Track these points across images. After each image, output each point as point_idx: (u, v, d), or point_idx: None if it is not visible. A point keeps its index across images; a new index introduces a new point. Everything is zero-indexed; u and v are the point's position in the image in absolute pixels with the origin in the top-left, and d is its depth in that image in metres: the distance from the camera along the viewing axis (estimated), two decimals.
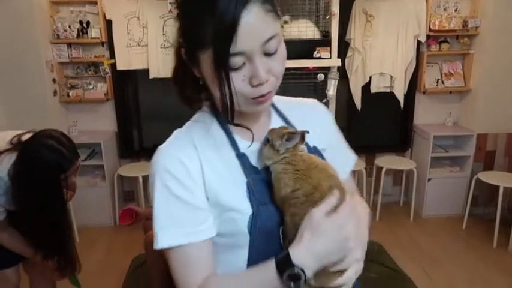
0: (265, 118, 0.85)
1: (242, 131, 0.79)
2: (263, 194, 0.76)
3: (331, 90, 2.92)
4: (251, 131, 0.78)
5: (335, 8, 2.84)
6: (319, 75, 2.88)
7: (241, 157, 0.78)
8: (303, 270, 0.65)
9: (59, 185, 1.55)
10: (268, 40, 0.66)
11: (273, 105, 0.88)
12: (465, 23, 3.41)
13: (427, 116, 3.77)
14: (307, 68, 2.87)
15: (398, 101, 3.55)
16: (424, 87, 3.58)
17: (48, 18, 3.28)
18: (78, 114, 3.58)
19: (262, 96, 0.70)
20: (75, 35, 3.32)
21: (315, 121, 0.89)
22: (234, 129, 0.80)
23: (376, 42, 3.43)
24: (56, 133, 1.58)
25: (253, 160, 0.79)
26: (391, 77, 3.50)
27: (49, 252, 1.66)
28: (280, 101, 0.91)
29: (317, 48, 2.85)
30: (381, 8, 3.37)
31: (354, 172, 3.72)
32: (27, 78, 3.21)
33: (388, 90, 3.54)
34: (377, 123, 3.81)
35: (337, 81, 2.93)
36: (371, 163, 3.75)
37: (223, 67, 0.65)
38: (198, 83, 0.75)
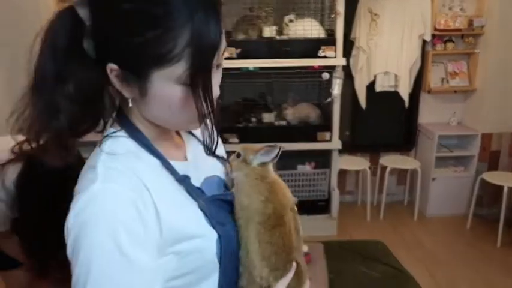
0: (179, 137, 0.80)
1: (169, 153, 0.71)
2: (219, 214, 0.70)
3: (336, 89, 2.92)
4: (198, 139, 0.76)
5: (340, 7, 2.83)
6: (323, 74, 2.88)
7: (184, 180, 0.69)
8: None
9: (66, 193, 1.55)
10: (224, 50, 0.64)
11: None
12: (470, 23, 3.39)
13: (431, 115, 3.76)
14: (312, 66, 2.87)
15: (403, 100, 3.54)
16: (429, 86, 3.57)
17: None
18: None
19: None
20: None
21: None
22: (162, 152, 0.69)
23: (381, 41, 3.42)
24: None
25: (194, 180, 0.71)
26: (396, 76, 3.50)
27: (51, 264, 1.63)
28: None
29: (322, 47, 2.85)
30: (386, 7, 3.37)
31: (358, 171, 3.73)
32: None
33: (392, 89, 3.53)
34: (381, 123, 3.80)
35: (342, 80, 2.92)
36: (375, 162, 3.75)
37: (205, 83, 0.59)
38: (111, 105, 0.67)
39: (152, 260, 0.59)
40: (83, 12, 0.59)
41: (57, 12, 0.61)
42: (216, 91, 0.64)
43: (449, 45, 3.48)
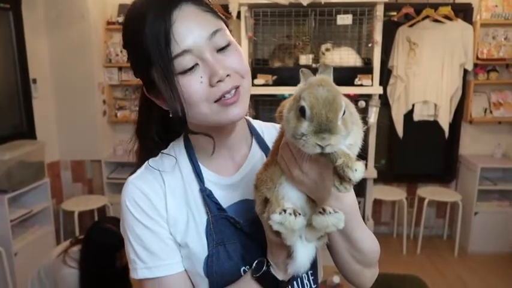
0: (244, 148, 0.79)
1: (214, 163, 0.76)
2: (223, 234, 0.71)
3: (372, 117, 2.88)
4: (212, 138, 0.72)
5: (378, 36, 2.83)
6: (360, 102, 2.86)
7: (204, 192, 0.72)
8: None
9: (115, 260, 1.86)
10: (214, 33, 0.64)
11: (256, 134, 0.81)
12: None
13: (473, 146, 3.62)
14: (348, 95, 2.86)
15: (443, 130, 3.44)
16: (471, 116, 3.45)
17: (102, 43, 3.51)
18: (123, 134, 3.74)
19: (225, 95, 0.65)
20: (126, 59, 3.51)
21: None
22: (204, 161, 0.76)
23: (420, 70, 3.37)
24: (110, 219, 2.01)
25: (219, 195, 0.74)
26: (435, 105, 3.42)
27: None
28: (266, 127, 0.85)
29: (358, 76, 2.84)
30: (425, 36, 3.33)
31: (394, 202, 3.62)
32: (81, 98, 3.42)
33: (432, 118, 3.45)
34: (420, 152, 3.70)
35: (378, 108, 2.89)
36: (413, 193, 3.62)
37: (166, 68, 0.63)
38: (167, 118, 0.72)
39: (169, 235, 0.72)
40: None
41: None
42: (217, 72, 0.64)
43: (493, 74, 3.38)
